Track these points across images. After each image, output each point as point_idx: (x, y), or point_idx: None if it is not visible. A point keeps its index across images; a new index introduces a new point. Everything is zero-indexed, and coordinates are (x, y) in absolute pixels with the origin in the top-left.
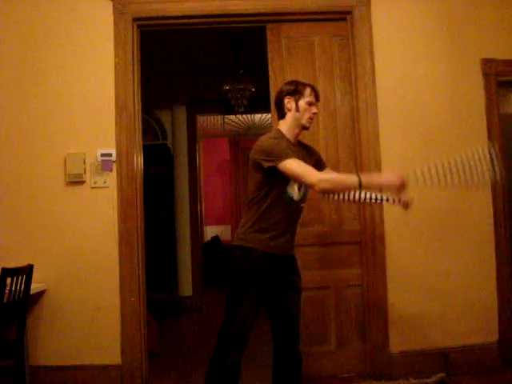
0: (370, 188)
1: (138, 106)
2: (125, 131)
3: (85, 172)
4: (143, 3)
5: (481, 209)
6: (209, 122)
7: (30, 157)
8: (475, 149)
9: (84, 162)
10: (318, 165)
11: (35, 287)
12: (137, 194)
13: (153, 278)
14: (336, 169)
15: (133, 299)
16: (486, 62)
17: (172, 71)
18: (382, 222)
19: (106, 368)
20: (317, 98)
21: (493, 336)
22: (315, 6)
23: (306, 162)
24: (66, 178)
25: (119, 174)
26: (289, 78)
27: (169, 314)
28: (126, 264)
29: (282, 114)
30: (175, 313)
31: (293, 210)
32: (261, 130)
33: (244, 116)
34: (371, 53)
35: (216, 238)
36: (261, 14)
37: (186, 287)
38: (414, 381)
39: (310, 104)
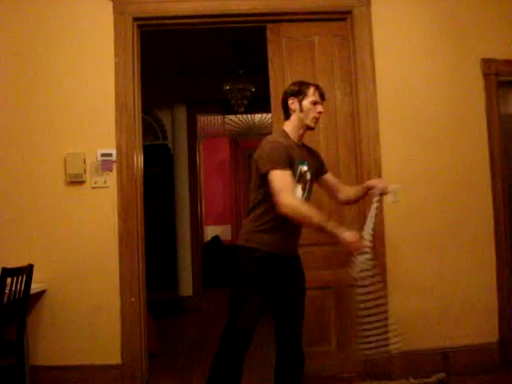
0: (325, 233)
1: (138, 106)
2: (125, 131)
3: (85, 172)
4: (143, 3)
5: (481, 209)
6: (209, 121)
7: (30, 157)
8: None
9: (84, 162)
10: (321, 169)
11: (35, 287)
12: (137, 194)
13: (153, 278)
14: (336, 169)
15: (133, 299)
16: (486, 62)
17: (172, 71)
18: (382, 222)
19: (106, 368)
20: (322, 97)
21: (493, 336)
22: (315, 5)
23: (309, 162)
24: (66, 177)
25: (119, 173)
26: (289, 78)
27: (169, 313)
28: (126, 264)
29: (287, 115)
30: (175, 313)
31: None
32: (261, 130)
33: (244, 116)
34: (371, 53)
35: (216, 238)
36: (261, 13)
37: (186, 287)
38: (414, 381)
39: (314, 103)
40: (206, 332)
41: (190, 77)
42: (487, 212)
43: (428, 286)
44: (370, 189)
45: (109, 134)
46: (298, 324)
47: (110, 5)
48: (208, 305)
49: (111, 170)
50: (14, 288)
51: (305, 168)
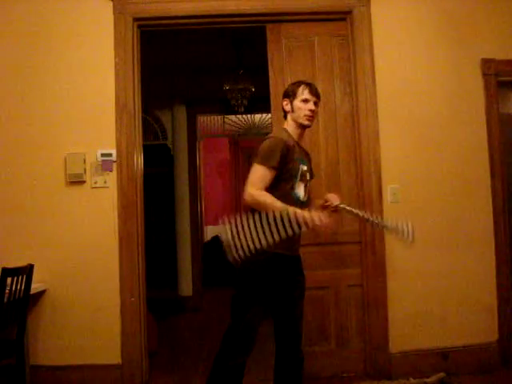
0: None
1: (138, 106)
2: (125, 131)
3: (85, 172)
4: (143, 3)
5: (480, 209)
6: (209, 121)
7: (31, 157)
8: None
9: (84, 162)
10: (311, 173)
11: (35, 287)
12: (137, 194)
13: (153, 278)
14: (336, 169)
15: (133, 299)
16: (486, 62)
17: (172, 71)
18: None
19: (106, 368)
20: (314, 95)
21: (493, 336)
22: (315, 5)
23: (305, 163)
24: (66, 177)
25: (119, 173)
26: (289, 78)
27: (169, 313)
28: (126, 264)
29: (284, 117)
30: (175, 313)
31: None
32: (261, 129)
33: (244, 116)
34: (371, 53)
35: (216, 238)
36: (261, 14)
37: (186, 287)
38: (414, 381)
39: (305, 101)
40: (206, 332)
41: (190, 77)
42: (487, 212)
43: (428, 285)
44: (326, 201)
45: (109, 134)
46: (297, 323)
47: (110, 5)
48: (208, 305)
49: (111, 170)
50: (14, 288)
51: (305, 168)
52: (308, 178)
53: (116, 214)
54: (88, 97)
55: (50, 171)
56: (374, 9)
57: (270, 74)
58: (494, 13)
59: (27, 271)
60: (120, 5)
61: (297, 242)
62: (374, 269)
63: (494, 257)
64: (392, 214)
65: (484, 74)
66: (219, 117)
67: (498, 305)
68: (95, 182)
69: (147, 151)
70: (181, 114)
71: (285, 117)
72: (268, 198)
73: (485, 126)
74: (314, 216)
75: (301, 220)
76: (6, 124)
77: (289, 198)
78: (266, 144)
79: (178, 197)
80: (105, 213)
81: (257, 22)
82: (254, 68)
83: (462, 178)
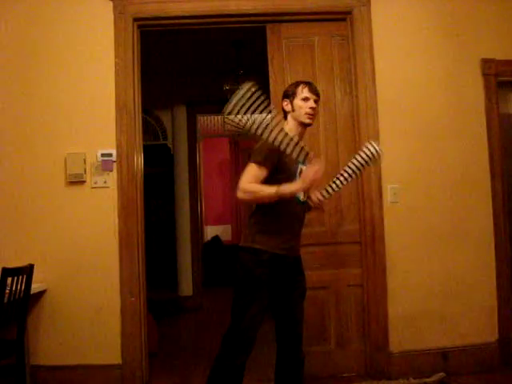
0: (285, 195)
1: (138, 106)
2: (125, 131)
3: (85, 172)
4: (143, 3)
5: (480, 209)
6: (209, 121)
7: (31, 157)
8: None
9: (84, 162)
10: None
11: (35, 287)
12: (137, 194)
13: (153, 278)
14: (336, 169)
15: (133, 299)
16: (486, 62)
17: (172, 71)
18: (382, 222)
19: (106, 368)
20: (314, 93)
21: (493, 336)
22: (315, 6)
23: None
24: (67, 177)
25: (119, 173)
26: (289, 78)
27: (169, 313)
28: (126, 264)
29: (284, 117)
30: (175, 313)
31: (299, 210)
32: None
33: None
34: (371, 53)
35: (216, 238)
36: (261, 14)
37: (186, 287)
38: (414, 381)
39: (305, 100)
40: (206, 332)
41: (190, 77)
42: (487, 212)
43: (428, 285)
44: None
45: (109, 134)
46: (298, 324)
47: (110, 5)
48: (208, 305)
49: (111, 170)
50: (14, 288)
51: (304, 168)
52: None
53: (116, 213)
54: (88, 97)
55: (50, 171)
56: (374, 9)
57: (270, 74)
58: (494, 13)
59: (27, 271)
60: (120, 5)
61: (297, 243)
62: (373, 269)
63: (494, 257)
64: (391, 213)
65: (484, 74)
66: (219, 117)
67: (497, 305)
68: (95, 182)
69: (147, 151)
70: (181, 114)
71: (285, 117)
72: (257, 187)
73: (485, 125)
74: (305, 177)
75: (295, 190)
76: (6, 124)
77: (287, 201)
78: (261, 143)
79: (178, 197)
80: (105, 213)
81: (257, 22)
82: (254, 68)
83: (462, 177)
